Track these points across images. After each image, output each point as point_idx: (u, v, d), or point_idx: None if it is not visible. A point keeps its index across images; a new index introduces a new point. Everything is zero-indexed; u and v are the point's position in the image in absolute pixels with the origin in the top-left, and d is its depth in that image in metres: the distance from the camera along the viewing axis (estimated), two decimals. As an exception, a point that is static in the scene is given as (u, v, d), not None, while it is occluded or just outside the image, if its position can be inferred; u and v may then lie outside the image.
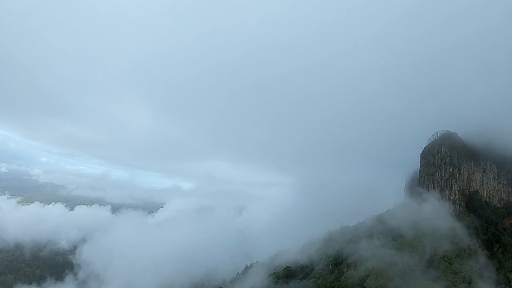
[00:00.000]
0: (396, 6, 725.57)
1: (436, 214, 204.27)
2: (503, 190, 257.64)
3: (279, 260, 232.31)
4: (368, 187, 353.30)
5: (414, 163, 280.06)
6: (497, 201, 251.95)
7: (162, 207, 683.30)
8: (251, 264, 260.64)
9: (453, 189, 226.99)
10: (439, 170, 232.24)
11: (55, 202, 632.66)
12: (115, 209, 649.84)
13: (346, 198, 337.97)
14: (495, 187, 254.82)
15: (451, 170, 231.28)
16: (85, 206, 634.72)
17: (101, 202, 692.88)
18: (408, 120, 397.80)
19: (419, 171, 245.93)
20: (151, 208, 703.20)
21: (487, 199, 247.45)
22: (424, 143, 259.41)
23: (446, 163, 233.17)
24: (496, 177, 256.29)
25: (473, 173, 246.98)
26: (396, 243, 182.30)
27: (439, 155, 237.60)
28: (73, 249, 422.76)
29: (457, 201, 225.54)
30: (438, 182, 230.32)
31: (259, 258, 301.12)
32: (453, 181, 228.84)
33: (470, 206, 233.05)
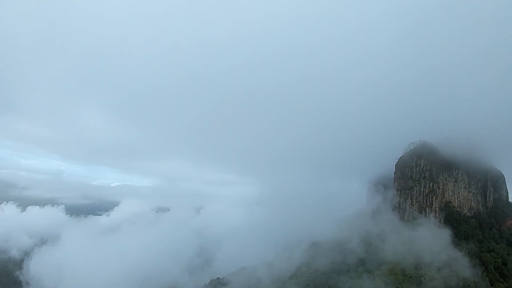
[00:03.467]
0: (372, 20, 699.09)
1: (426, 235, 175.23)
2: (473, 199, 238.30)
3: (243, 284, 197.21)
4: (335, 194, 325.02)
5: (376, 169, 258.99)
6: (467, 210, 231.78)
7: (118, 206, 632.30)
8: (211, 282, 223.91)
9: (434, 206, 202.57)
10: (417, 185, 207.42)
11: (6, 202, 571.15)
12: (69, 209, 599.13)
13: (313, 205, 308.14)
14: (465, 196, 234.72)
15: (431, 186, 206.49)
16: (37, 206, 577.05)
17: (54, 202, 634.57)
18: (381, 130, 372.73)
19: (394, 183, 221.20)
20: (106, 207, 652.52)
21: (458, 209, 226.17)
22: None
23: (425, 178, 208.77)
24: (467, 186, 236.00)
25: (446, 184, 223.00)
26: (388, 273, 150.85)
27: (417, 168, 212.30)
28: (24, 256, 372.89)
29: (437, 218, 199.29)
30: (417, 197, 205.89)
31: (220, 266, 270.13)
32: (434, 197, 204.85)
33: (446, 219, 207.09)
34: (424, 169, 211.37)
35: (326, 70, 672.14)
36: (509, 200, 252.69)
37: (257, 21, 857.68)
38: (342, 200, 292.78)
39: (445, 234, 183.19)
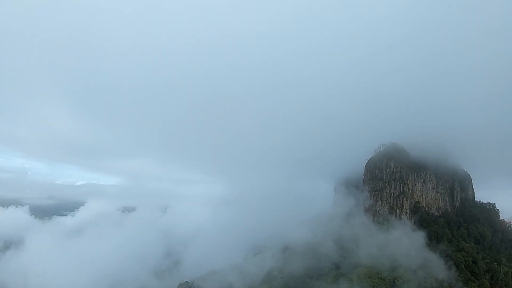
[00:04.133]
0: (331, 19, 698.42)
1: (399, 237, 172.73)
2: (441, 199, 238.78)
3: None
4: (305, 195, 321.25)
5: (344, 170, 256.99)
6: (435, 210, 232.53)
7: (83, 206, 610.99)
8: (180, 286, 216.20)
9: (404, 207, 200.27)
10: (388, 186, 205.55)
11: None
12: (34, 210, 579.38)
13: (283, 206, 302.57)
14: (433, 196, 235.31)
15: (401, 187, 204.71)
16: (1, 207, 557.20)
17: (18, 203, 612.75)
18: (351, 131, 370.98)
19: (364, 185, 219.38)
20: (71, 207, 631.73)
21: (426, 208, 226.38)
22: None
23: (396, 180, 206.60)
24: (435, 187, 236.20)
25: (415, 184, 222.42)
26: (363, 276, 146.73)
27: (387, 170, 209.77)
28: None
29: (408, 220, 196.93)
30: (387, 199, 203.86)
31: (189, 269, 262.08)
32: (404, 199, 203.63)
33: (417, 220, 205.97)
34: (394, 171, 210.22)
35: (297, 73, 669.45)
36: (476, 199, 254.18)
37: (229, 22, 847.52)
38: (312, 201, 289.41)
39: (417, 235, 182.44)
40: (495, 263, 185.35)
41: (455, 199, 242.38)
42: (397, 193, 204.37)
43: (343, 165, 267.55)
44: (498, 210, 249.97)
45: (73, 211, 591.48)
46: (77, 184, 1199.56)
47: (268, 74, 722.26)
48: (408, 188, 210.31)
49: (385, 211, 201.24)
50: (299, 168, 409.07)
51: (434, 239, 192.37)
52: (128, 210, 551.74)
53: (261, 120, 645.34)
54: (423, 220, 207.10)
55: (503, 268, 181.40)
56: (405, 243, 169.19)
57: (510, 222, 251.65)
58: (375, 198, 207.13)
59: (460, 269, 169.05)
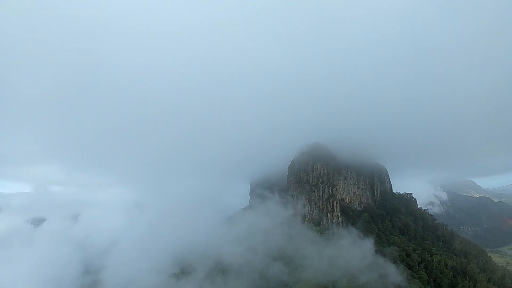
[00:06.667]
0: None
1: (331, 240, 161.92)
2: (362, 194, 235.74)
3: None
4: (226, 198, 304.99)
5: (265, 173, 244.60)
6: (357, 205, 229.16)
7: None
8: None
9: (335, 211, 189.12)
10: (316, 190, 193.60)
11: None
12: None
13: (205, 210, 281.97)
14: (355, 192, 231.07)
15: (330, 190, 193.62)
16: None
17: None
18: (270, 133, 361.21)
19: (289, 188, 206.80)
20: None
21: (349, 204, 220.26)
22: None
23: (324, 182, 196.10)
24: (356, 183, 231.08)
25: (338, 182, 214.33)
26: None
27: (314, 172, 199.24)
28: None
29: (340, 223, 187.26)
30: (316, 203, 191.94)
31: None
32: (334, 202, 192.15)
33: (347, 220, 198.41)
34: (321, 173, 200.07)
35: (214, 74, 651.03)
36: (393, 191, 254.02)
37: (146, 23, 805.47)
38: (233, 205, 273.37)
39: (354, 237, 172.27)
40: (426, 253, 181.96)
41: (375, 193, 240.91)
42: (326, 196, 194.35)
43: (263, 168, 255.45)
44: (415, 199, 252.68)
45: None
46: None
47: (185, 79, 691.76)
48: (336, 190, 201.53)
49: (315, 215, 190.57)
50: (220, 173, 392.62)
51: (366, 237, 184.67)
52: (37, 221, 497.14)
53: (179, 125, 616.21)
54: (351, 218, 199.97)
55: (435, 257, 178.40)
56: (345, 247, 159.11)
57: (428, 209, 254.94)
58: (302, 202, 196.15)
59: (397, 264, 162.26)
